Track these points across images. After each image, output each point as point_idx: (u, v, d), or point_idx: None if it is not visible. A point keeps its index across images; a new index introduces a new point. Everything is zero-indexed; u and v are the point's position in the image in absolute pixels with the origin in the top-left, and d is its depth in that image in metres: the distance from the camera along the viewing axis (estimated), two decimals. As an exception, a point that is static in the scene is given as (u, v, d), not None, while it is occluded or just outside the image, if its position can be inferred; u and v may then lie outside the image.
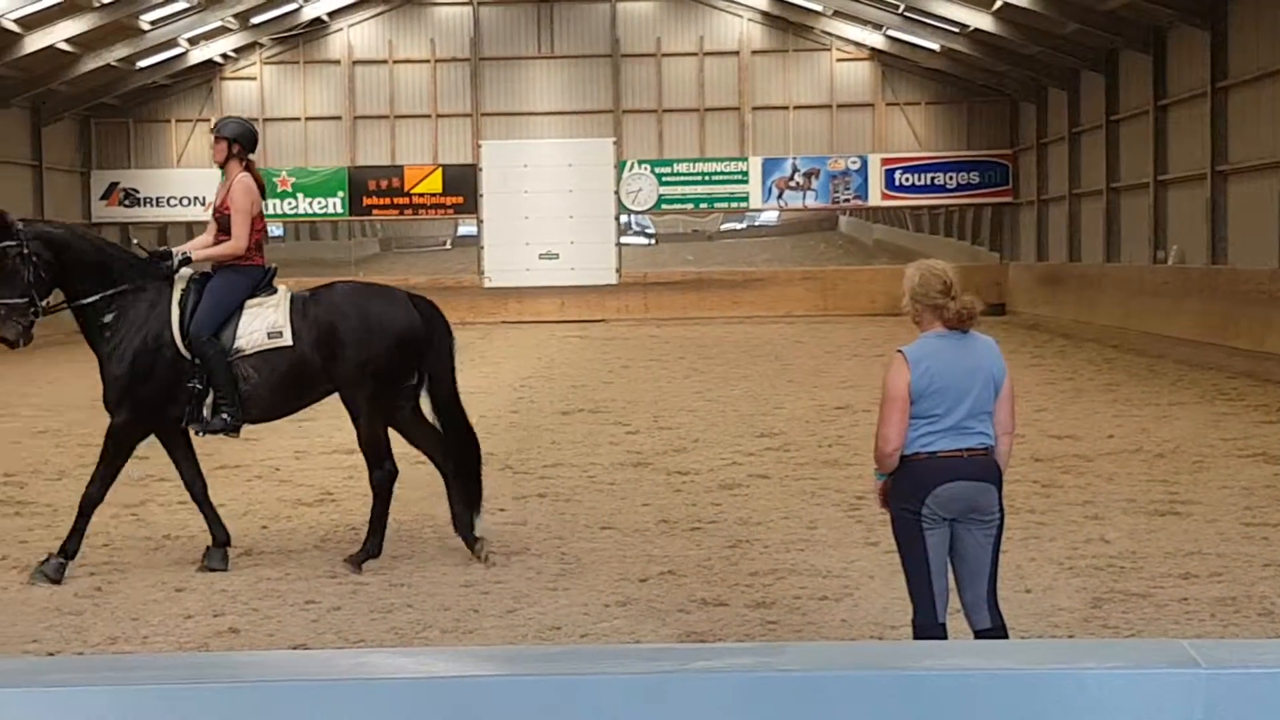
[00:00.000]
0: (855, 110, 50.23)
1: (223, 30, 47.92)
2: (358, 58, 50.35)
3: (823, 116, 50.26)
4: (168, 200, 50.68)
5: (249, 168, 12.08)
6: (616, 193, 49.99)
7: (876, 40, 48.98)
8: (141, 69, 47.65)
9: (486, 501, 12.26)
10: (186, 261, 11.74)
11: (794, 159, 49.91)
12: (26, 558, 11.94)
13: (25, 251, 11.11)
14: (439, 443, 12.15)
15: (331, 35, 50.44)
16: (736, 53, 50.24)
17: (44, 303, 11.31)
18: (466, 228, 53.82)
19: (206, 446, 18.85)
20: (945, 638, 7.67)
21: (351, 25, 50.36)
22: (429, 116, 50.31)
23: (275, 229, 55.12)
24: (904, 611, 8.05)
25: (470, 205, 50.40)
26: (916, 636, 7.70)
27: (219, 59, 49.59)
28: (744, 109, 50.19)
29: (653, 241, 55.36)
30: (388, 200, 50.25)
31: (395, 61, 50.30)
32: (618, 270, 50.21)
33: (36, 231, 11.34)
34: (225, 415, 11.53)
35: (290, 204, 50.29)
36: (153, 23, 44.30)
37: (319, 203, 50.31)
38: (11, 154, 46.11)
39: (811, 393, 24.40)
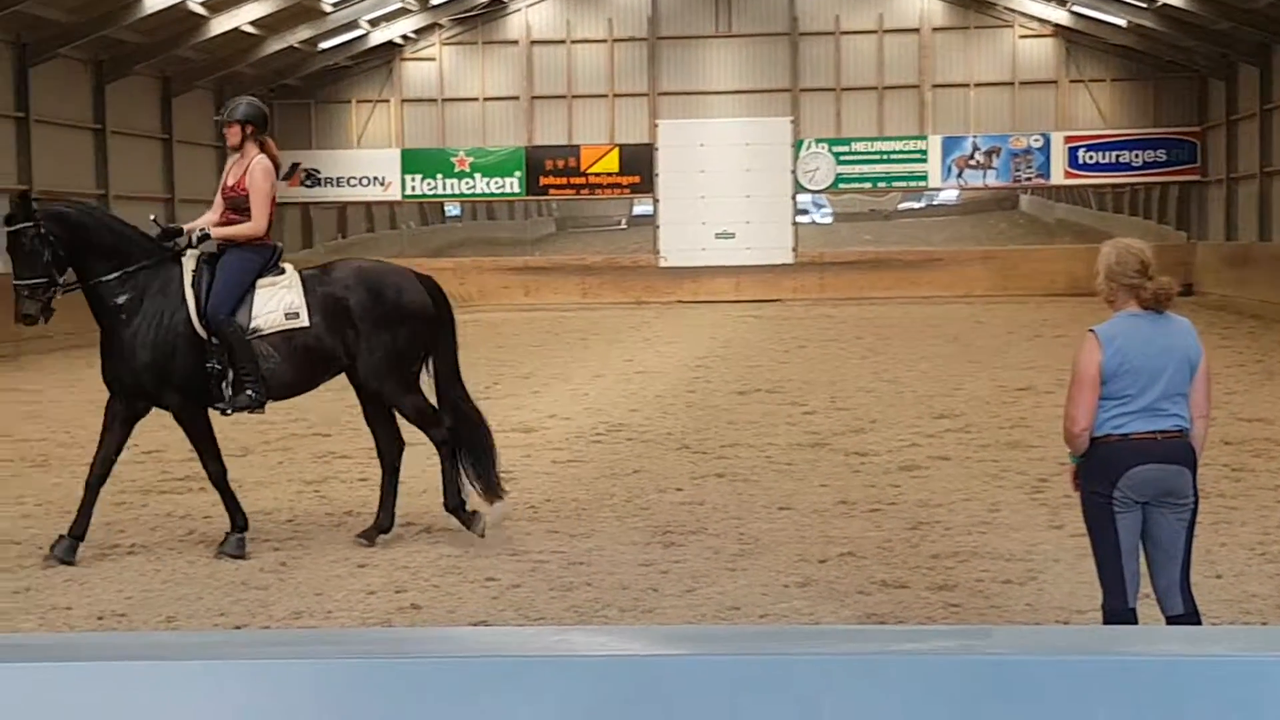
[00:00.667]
0: (1038, 87, 49.47)
1: (403, 12, 48.38)
2: (536, 38, 50.55)
3: (1004, 94, 49.56)
4: (347, 180, 51.28)
5: (264, 148, 12.12)
6: (793, 172, 49.72)
7: (1061, 16, 48.17)
8: (323, 50, 48.27)
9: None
10: (205, 238, 11.77)
11: (974, 137, 49.29)
12: (212, 532, 12.10)
13: (42, 232, 11.24)
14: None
15: (510, 16, 50.68)
16: (917, 30, 49.69)
17: (62, 280, 11.43)
18: (642, 207, 53.86)
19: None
20: (1135, 623, 7.48)
21: (530, 6, 50.57)
22: (606, 96, 50.39)
23: (452, 209, 55.64)
24: (1090, 596, 7.87)
25: (646, 185, 50.42)
26: (1106, 622, 7.52)
27: (399, 40, 50.05)
28: (924, 87, 49.64)
29: (829, 221, 55.04)
30: (564, 180, 50.44)
31: (573, 42, 50.43)
32: (794, 250, 49.96)
33: (51, 212, 11.47)
34: (250, 392, 11.53)
35: (467, 184, 50.68)
36: (335, 4, 44.84)
37: (496, 183, 50.62)
38: (196, 136, 46.97)
39: (992, 373, 24.06)
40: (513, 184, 50.55)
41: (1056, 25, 48.73)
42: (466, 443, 12.06)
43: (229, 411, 11.64)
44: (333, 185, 51.45)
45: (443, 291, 12.46)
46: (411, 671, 1.89)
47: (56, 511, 13.06)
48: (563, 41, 50.41)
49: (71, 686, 1.75)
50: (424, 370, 12.15)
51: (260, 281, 11.73)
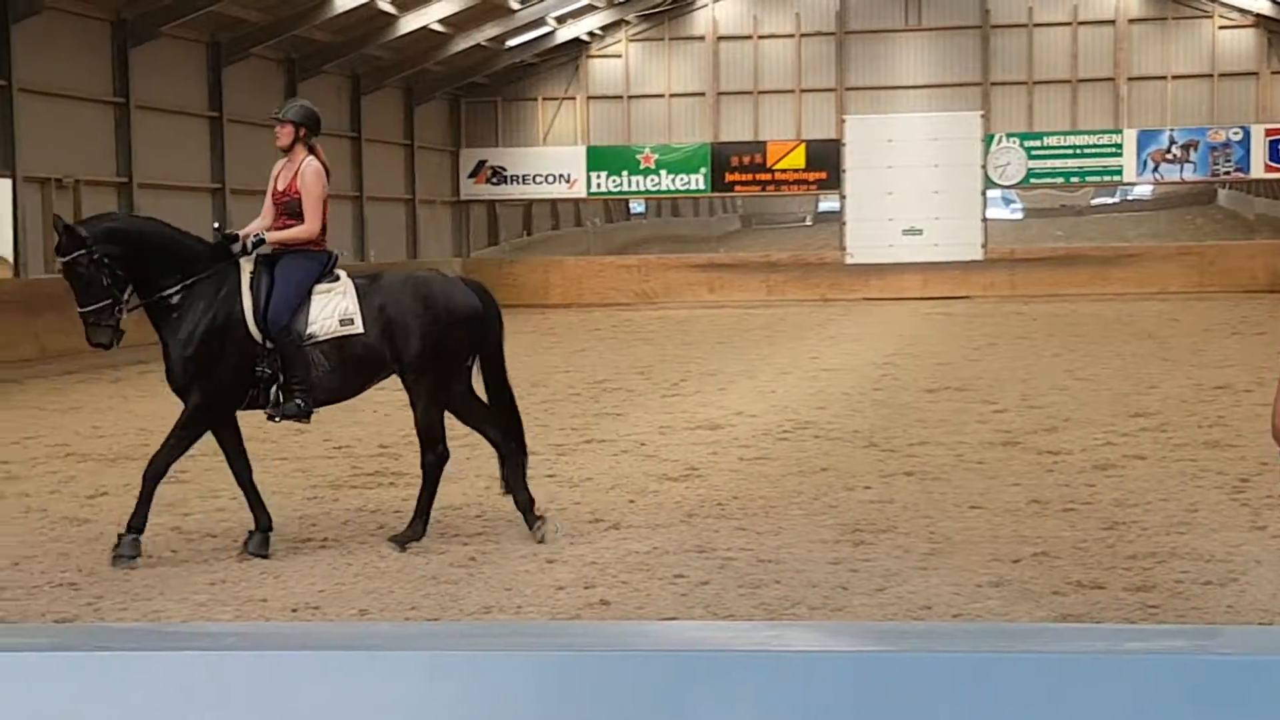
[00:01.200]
0: (1238, 79, 48.34)
1: (590, 8, 48.58)
2: (723, 34, 50.47)
3: (1202, 86, 48.50)
4: (533, 178, 51.59)
5: (314, 151, 11.85)
6: (983, 167, 49.10)
7: (1262, 6, 47.01)
8: (510, 48, 48.62)
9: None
10: (261, 243, 11.56)
11: (1171, 131, 48.29)
12: (403, 527, 12.16)
13: (95, 257, 10.93)
14: (492, 419, 12.12)
15: (697, 12, 50.65)
16: (1112, 21, 48.82)
17: (126, 298, 11.14)
18: (828, 203, 53.56)
19: (574, 421, 19.09)
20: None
21: (717, 1, 50.51)
22: (792, 92, 50.15)
23: (637, 206, 55.77)
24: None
25: (833, 181, 50.10)
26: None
27: (585, 37, 50.27)
28: (1119, 80, 48.75)
29: (1020, 216, 54.28)
30: (750, 176, 50.28)
31: (760, 37, 50.28)
32: (983, 246, 49.34)
33: (101, 231, 11.12)
34: (299, 401, 11.37)
35: (653, 181, 50.72)
36: (522, 2, 45.16)
37: (681, 179, 50.60)
38: (386, 133, 47.57)
39: (1189, 372, 23.52)
40: (698, 180, 50.50)
41: (1258, 15, 47.58)
42: (511, 442, 12.05)
43: (278, 419, 11.59)
44: (518, 183, 51.78)
45: (491, 296, 12.36)
46: (625, 666, 1.83)
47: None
48: (750, 37, 50.27)
49: (303, 675, 1.75)
50: (473, 372, 12.12)
51: (317, 288, 11.57)
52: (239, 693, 1.77)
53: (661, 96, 50.85)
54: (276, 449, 16.64)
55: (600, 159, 50.87)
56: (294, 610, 9.59)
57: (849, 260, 49.88)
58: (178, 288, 11.16)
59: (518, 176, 51.67)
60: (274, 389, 11.38)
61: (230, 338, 11.26)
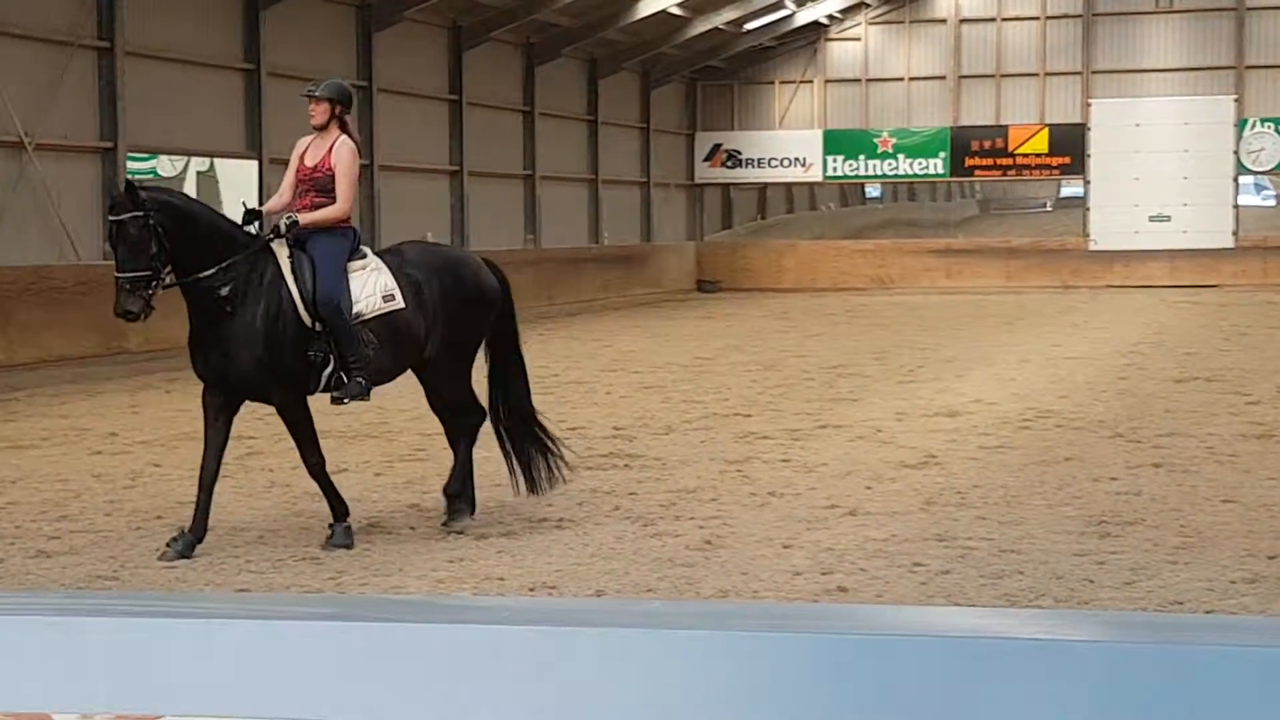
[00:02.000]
0: None
1: (829, -8, 48.30)
2: (965, 16, 49.73)
3: None
4: (768, 161, 51.38)
5: (346, 129, 11.50)
6: (1236, 152, 47.71)
7: None
8: (748, 31, 48.45)
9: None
10: (294, 224, 11.12)
11: None
12: (637, 508, 12.12)
13: (151, 222, 10.51)
14: (468, 408, 12.10)
15: (938, -5, 50.02)
16: (1368, 2, 47.17)
17: (165, 275, 10.72)
18: (1070, 189, 52.55)
19: (809, 406, 18.90)
20: None
21: (958, -16, 49.81)
22: (1036, 75, 49.24)
23: (873, 190, 55.32)
24: None
25: (1077, 166, 49.08)
26: None
27: (824, 20, 49.89)
28: (1377, 62, 47.08)
29: (1274, 204, 52.71)
30: (990, 161, 49.49)
31: (1004, 20, 49.43)
32: (1234, 234, 47.95)
33: (160, 200, 10.75)
34: (360, 379, 11.04)
35: (890, 165, 50.18)
36: (761, -14, 45.04)
37: (919, 164, 49.99)
38: (623, 116, 47.74)
39: None
40: (937, 165, 49.85)
41: None
42: (517, 433, 12.00)
43: (346, 400, 11.26)
44: (753, 166, 51.63)
45: (507, 280, 12.17)
46: (910, 650, 1.72)
47: (487, 484, 13.28)
48: (993, 19, 49.46)
49: (574, 650, 1.75)
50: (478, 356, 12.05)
51: (350, 265, 11.26)
52: (509, 666, 1.77)
53: (900, 80, 50.27)
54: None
55: (837, 142, 50.47)
56: (530, 589, 9.58)
57: (1092, 246, 48.83)
58: (215, 269, 10.73)
59: (753, 160, 51.50)
60: (326, 373, 11.06)
61: (287, 324, 10.90)
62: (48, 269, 25.69)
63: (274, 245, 11.07)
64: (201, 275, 10.70)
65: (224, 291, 10.72)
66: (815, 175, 51.22)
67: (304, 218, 11.14)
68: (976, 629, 1.91)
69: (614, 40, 44.85)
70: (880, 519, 11.65)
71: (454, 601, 1.94)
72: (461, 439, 11.84)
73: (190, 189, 31.97)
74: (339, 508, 10.94)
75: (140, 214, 10.44)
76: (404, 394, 20.18)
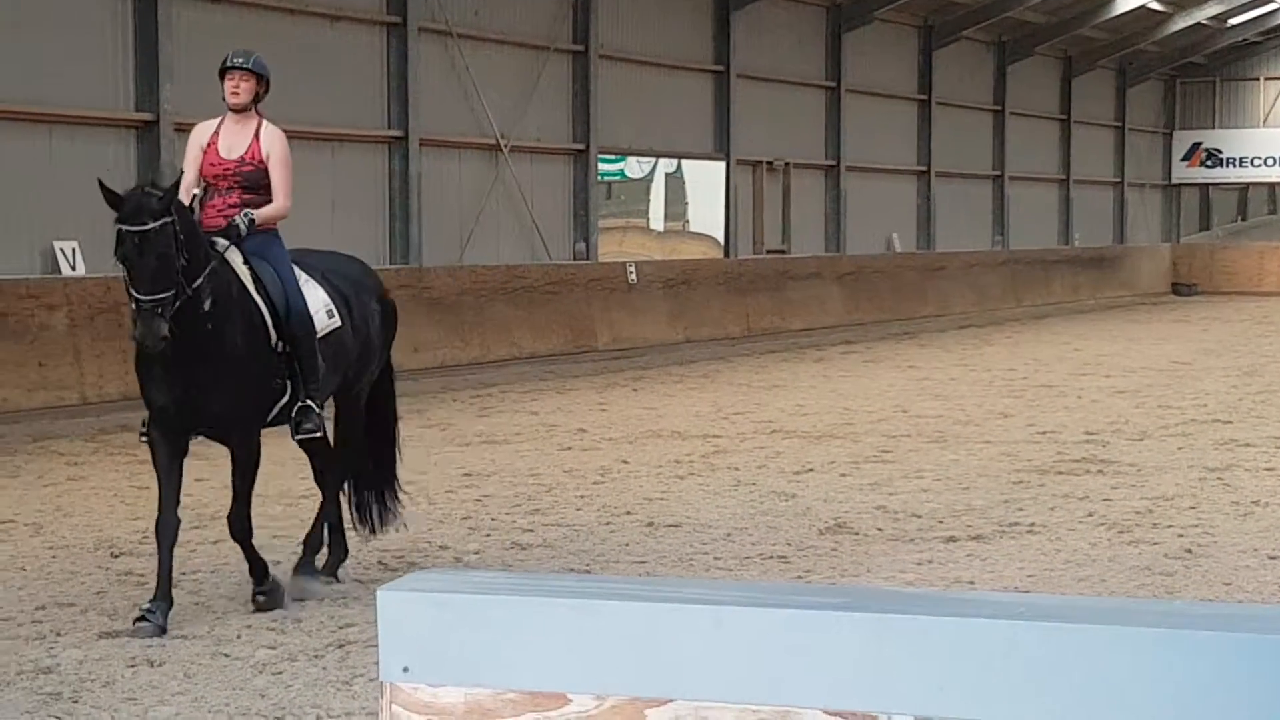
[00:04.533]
0: None
1: (1317, -17, 46.11)
2: None
3: None
4: (1251, 161, 49.46)
5: (260, 114, 9.61)
6: None
7: None
8: (1232, 26, 46.69)
9: None
10: (253, 225, 9.30)
11: None
12: (1112, 515, 11.73)
13: (177, 229, 8.58)
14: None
15: None
16: None
17: (188, 291, 8.67)
18: None
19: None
20: None
21: None
22: None
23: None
24: None
25: None
26: None
27: (1313, 13, 47.70)
28: None
29: None
30: None
31: None
32: None
33: (173, 202, 8.69)
34: (318, 410, 9.39)
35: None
36: (1247, -21, 43.37)
37: None
38: (1097, 115, 46.63)
39: None
40: None
41: None
42: (368, 476, 10.18)
43: (317, 434, 9.47)
44: (1234, 166, 49.82)
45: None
46: None
47: (955, 487, 13.08)
48: None
49: (1092, 648, 1.71)
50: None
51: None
52: (1021, 662, 1.74)
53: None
54: (981, 431, 16.46)
55: (1323, 141, 48.21)
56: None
57: None
58: (200, 281, 8.72)
59: (1234, 159, 49.65)
60: (281, 403, 9.34)
61: (259, 347, 9.17)
62: (521, 268, 26.55)
63: (228, 254, 9.21)
64: (194, 286, 8.68)
65: (206, 305, 8.78)
66: (1302, 175, 49.09)
67: (260, 214, 9.36)
68: None
69: (1089, 37, 43.81)
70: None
71: (965, 596, 1.85)
72: (332, 482, 10.03)
73: (659, 190, 32.61)
74: (259, 569, 9.06)
75: (169, 219, 8.51)
76: (869, 396, 20.18)
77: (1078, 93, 45.44)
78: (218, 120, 9.55)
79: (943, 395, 20.25)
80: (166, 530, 8.74)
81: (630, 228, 31.82)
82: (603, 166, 29.77)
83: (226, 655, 7.95)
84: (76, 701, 7.19)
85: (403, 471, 10.49)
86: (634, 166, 31.80)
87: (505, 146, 26.73)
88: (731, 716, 1.70)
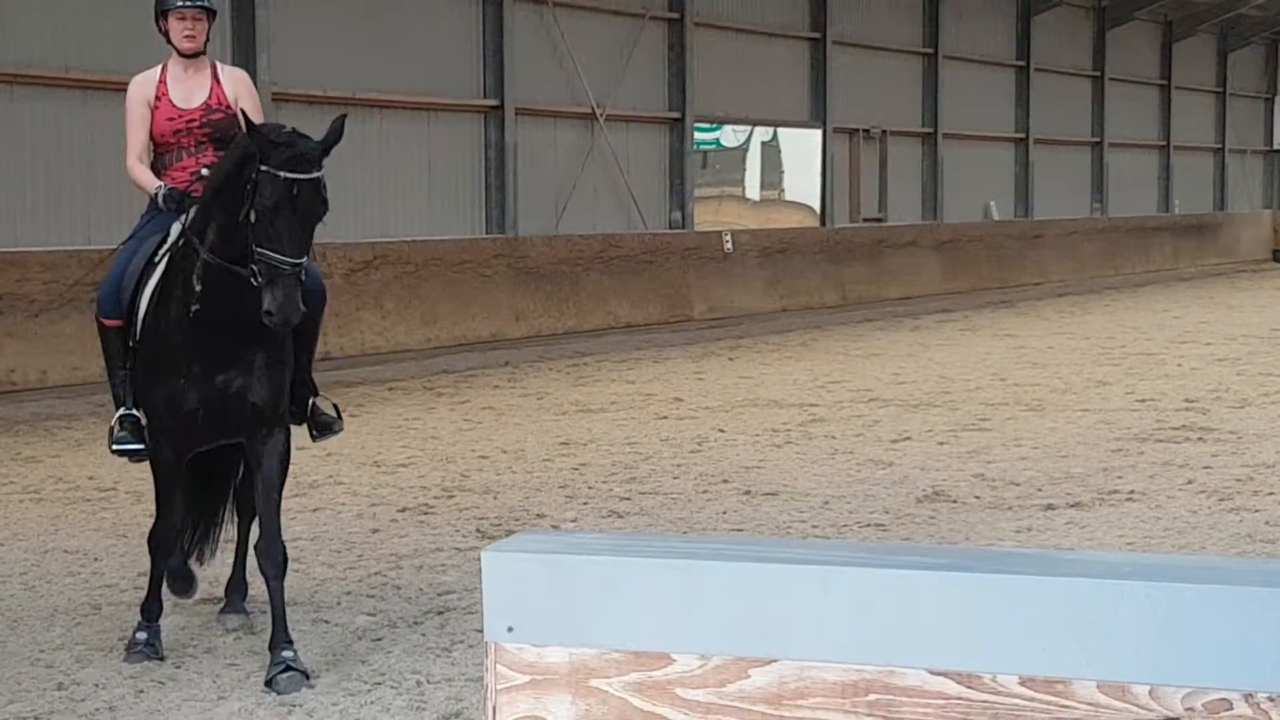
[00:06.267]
0: None
1: None
2: None
3: None
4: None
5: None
6: None
7: None
8: (1335, -11, 45.99)
9: None
10: None
11: None
12: (1213, 483, 11.61)
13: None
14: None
15: None
16: None
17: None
18: None
19: None
20: None
21: None
22: None
23: None
24: None
25: None
26: None
27: None
28: None
29: None
30: None
31: None
32: None
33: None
34: (330, 403, 8.11)
35: None
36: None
37: None
38: (1197, 80, 46.10)
39: None
40: None
41: None
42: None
43: (336, 432, 8.04)
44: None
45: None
46: None
47: (1053, 455, 12.99)
48: None
49: (1202, 605, 1.74)
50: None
51: None
52: (1124, 619, 1.74)
53: None
54: (1078, 400, 16.34)
55: None
56: (1100, 563, 9.28)
57: None
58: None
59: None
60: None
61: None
62: (616, 237, 26.56)
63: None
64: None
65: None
66: (1405, 139, 48.32)
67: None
68: None
69: (1192, 1, 43.23)
70: None
71: (1068, 555, 1.86)
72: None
73: (755, 159, 32.51)
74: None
75: (322, 170, 7.11)
76: (967, 364, 20.07)
77: (1178, 58, 44.87)
78: (156, 70, 7.95)
79: (1040, 363, 20.10)
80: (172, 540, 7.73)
81: (726, 196, 31.75)
82: (698, 135, 29.71)
83: (327, 622, 8.03)
84: (180, 667, 7.29)
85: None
86: (729, 135, 31.71)
87: (600, 115, 26.73)
88: (835, 676, 1.71)
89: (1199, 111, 46.48)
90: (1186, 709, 1.71)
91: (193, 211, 7.38)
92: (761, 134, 32.06)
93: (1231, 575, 1.73)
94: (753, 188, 32.62)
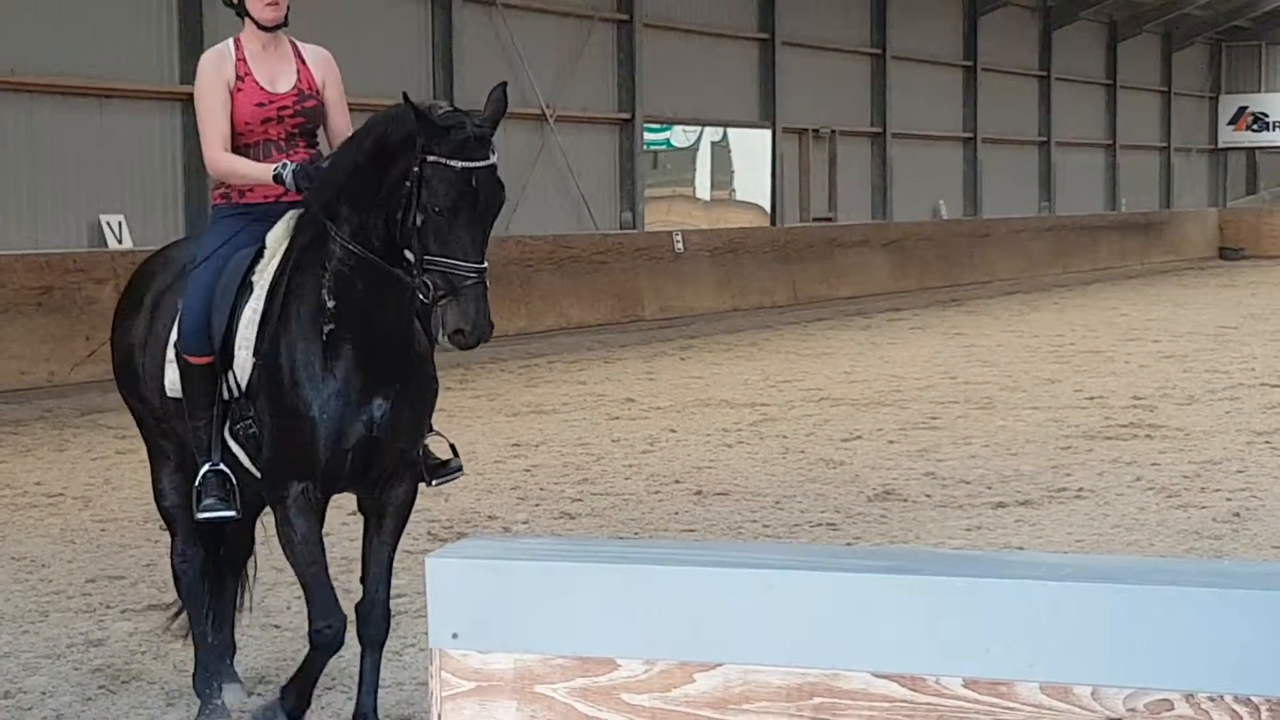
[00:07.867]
0: None
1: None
2: None
3: None
4: (1295, 124, 49.20)
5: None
6: None
7: None
8: (1278, -11, 46.37)
9: None
10: None
11: None
12: (1160, 479, 11.69)
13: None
14: None
15: None
16: None
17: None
18: None
19: None
20: None
21: None
22: None
23: None
24: None
25: None
26: None
27: (1361, -27, 47.26)
28: None
29: None
30: None
31: None
32: None
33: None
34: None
35: None
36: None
37: None
38: (1143, 80, 46.32)
39: None
40: None
41: None
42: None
43: (457, 476, 6.62)
44: (1280, 129, 49.54)
45: None
46: None
47: (1003, 453, 13.05)
48: None
49: (1141, 607, 1.75)
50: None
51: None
52: (1066, 621, 1.75)
53: None
54: (1028, 398, 16.42)
55: (1373, 103, 47.81)
56: (1050, 561, 9.33)
57: None
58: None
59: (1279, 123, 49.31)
60: None
61: None
62: (567, 238, 26.53)
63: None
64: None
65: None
66: (1346, 137, 48.75)
67: None
68: None
69: (1135, 2, 43.50)
70: None
71: (1011, 557, 1.89)
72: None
73: (705, 159, 32.55)
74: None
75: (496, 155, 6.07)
76: (917, 363, 20.14)
77: (1123, 57, 45.14)
78: (228, 46, 6.64)
79: (990, 362, 20.20)
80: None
81: (676, 197, 31.77)
82: (648, 136, 29.72)
83: (277, 626, 8.00)
84: (127, 673, 7.25)
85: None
86: (680, 135, 31.74)
87: (551, 116, 26.71)
88: (779, 680, 1.71)
89: (1144, 110, 46.75)
90: (1129, 710, 1.73)
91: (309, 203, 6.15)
92: (711, 134, 32.10)
93: (1173, 577, 1.74)
94: (703, 188, 32.66)
